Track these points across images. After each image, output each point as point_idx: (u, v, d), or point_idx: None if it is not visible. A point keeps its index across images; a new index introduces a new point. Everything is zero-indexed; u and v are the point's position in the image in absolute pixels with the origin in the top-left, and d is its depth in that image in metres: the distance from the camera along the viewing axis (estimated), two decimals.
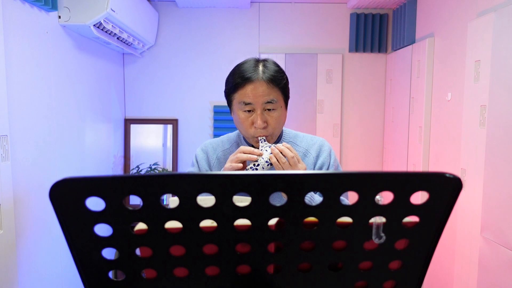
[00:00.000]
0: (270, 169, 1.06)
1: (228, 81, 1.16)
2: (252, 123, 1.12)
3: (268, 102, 1.10)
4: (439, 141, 2.27)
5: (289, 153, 1.03)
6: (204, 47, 3.01)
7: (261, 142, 1.11)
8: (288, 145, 1.06)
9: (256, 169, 1.05)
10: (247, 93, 1.10)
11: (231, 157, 1.08)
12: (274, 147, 1.05)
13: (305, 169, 1.06)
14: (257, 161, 1.06)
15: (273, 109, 1.12)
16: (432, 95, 2.36)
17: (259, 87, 1.09)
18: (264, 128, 1.11)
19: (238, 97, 1.12)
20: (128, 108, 3.03)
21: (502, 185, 1.61)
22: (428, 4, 2.44)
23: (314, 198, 1.03)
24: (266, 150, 1.07)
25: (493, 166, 1.68)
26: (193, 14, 2.99)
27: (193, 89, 3.04)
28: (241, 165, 1.06)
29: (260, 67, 1.12)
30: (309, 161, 1.20)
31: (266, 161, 1.05)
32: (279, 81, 1.12)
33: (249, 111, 1.12)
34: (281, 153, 1.04)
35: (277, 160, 1.04)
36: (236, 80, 1.12)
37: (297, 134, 1.26)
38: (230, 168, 1.06)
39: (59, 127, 1.97)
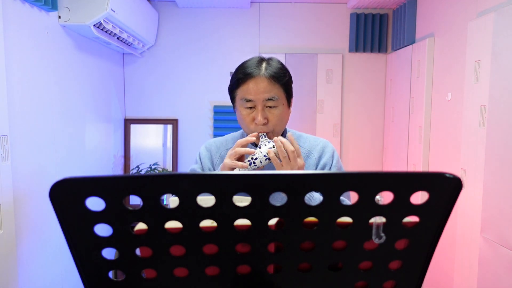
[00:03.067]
0: (268, 163, 1.06)
1: (232, 77, 1.17)
2: (253, 119, 1.12)
3: (269, 99, 1.10)
4: (439, 141, 2.27)
5: (289, 147, 1.03)
6: (204, 47, 3.01)
7: (262, 137, 1.10)
8: (292, 138, 1.05)
9: (254, 163, 1.04)
10: (249, 89, 1.11)
11: (229, 152, 1.08)
12: (277, 139, 1.04)
13: (303, 165, 1.05)
14: (255, 155, 1.05)
15: (274, 106, 1.12)
16: (432, 95, 2.35)
17: (260, 83, 1.10)
18: (265, 124, 1.11)
19: (240, 93, 1.13)
20: (128, 108, 3.03)
21: (502, 185, 1.61)
22: (428, 4, 2.44)
23: (313, 196, 1.03)
24: (265, 145, 1.07)
25: (493, 166, 1.68)
26: (193, 14, 2.99)
27: (193, 89, 3.04)
28: (240, 163, 1.05)
29: (264, 64, 1.13)
30: (311, 162, 1.20)
31: (264, 155, 1.05)
32: (281, 78, 1.12)
33: (250, 107, 1.12)
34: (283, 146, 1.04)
35: (275, 155, 1.03)
36: (239, 75, 1.13)
37: (301, 135, 1.26)
38: (230, 164, 1.05)
39: (59, 127, 1.97)
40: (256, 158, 1.05)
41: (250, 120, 1.13)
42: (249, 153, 1.05)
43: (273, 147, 1.06)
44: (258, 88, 1.10)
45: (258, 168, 1.06)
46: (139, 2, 2.48)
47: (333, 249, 0.52)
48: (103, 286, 0.53)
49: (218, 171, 0.77)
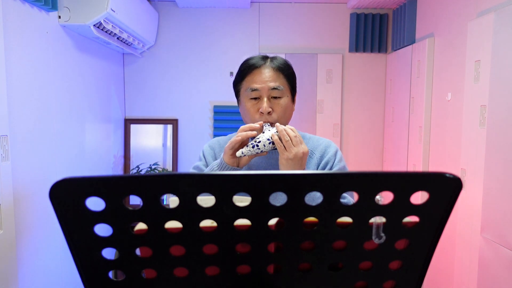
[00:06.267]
0: (271, 148, 1.05)
1: (237, 72, 1.19)
2: (258, 110, 1.13)
3: (274, 89, 1.12)
4: (439, 141, 2.27)
5: (291, 133, 1.03)
6: (204, 47, 3.01)
7: (265, 126, 1.10)
8: (292, 127, 1.06)
9: (257, 145, 1.04)
10: (254, 79, 1.13)
11: (232, 139, 1.07)
12: (279, 124, 1.05)
13: (307, 150, 1.05)
14: (258, 138, 1.05)
15: (279, 97, 1.13)
16: (432, 95, 2.35)
17: (266, 73, 1.12)
18: (269, 114, 1.12)
19: (245, 84, 1.15)
20: (128, 108, 3.03)
21: (502, 185, 1.61)
22: (428, 4, 2.44)
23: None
24: (269, 130, 1.07)
25: (493, 166, 1.68)
26: (193, 14, 2.99)
27: (193, 89, 3.04)
28: (239, 138, 1.04)
29: (268, 59, 1.17)
30: (313, 162, 1.19)
31: (268, 139, 1.04)
32: (285, 69, 1.15)
33: (255, 98, 1.13)
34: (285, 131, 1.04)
35: (279, 139, 1.03)
36: (244, 68, 1.15)
37: (304, 135, 1.26)
38: (229, 144, 1.05)
39: (59, 127, 1.97)
40: (259, 142, 1.04)
41: (255, 111, 1.13)
42: (251, 136, 1.05)
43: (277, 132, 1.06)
44: (264, 77, 1.12)
45: (262, 152, 1.06)
46: (139, 2, 2.48)
47: (333, 249, 0.52)
48: (103, 286, 0.53)
49: (218, 171, 0.77)
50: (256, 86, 1.12)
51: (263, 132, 1.07)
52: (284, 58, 1.20)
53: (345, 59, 3.05)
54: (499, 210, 1.62)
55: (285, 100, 1.14)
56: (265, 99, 1.12)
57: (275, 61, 1.15)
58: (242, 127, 1.08)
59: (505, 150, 1.60)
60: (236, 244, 0.51)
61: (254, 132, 1.05)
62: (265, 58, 1.16)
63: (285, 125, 1.17)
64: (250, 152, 1.04)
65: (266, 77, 1.12)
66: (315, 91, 3.01)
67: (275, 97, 1.13)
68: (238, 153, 1.05)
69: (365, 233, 0.51)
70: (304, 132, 1.28)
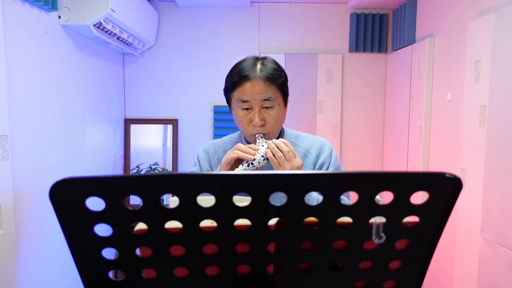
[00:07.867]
0: (266, 163, 1.06)
1: (227, 79, 1.16)
2: (250, 121, 1.12)
3: (266, 100, 1.10)
4: (439, 141, 2.27)
5: (284, 148, 1.03)
6: (204, 47, 3.01)
7: (259, 138, 1.11)
8: (285, 140, 1.06)
9: (252, 163, 1.05)
10: (245, 91, 1.10)
11: (229, 152, 1.08)
12: (270, 142, 1.05)
13: (301, 164, 1.05)
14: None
15: (271, 107, 1.12)
16: (432, 95, 2.36)
17: (256, 86, 1.09)
18: (262, 126, 1.11)
19: (236, 95, 1.12)
20: (128, 108, 3.03)
21: (502, 185, 1.61)
22: (428, 4, 2.44)
23: (311, 196, 1.02)
24: (263, 145, 1.08)
25: (493, 166, 1.68)
26: (193, 14, 2.99)
27: (193, 89, 3.04)
28: (235, 155, 1.05)
29: (258, 65, 1.12)
30: (309, 161, 1.19)
31: (262, 156, 1.05)
32: (276, 79, 1.12)
33: (247, 109, 1.12)
34: (277, 147, 1.04)
35: (273, 155, 1.03)
36: (234, 78, 1.12)
37: (299, 134, 1.26)
38: (225, 160, 1.06)
39: (59, 127, 1.97)
40: (254, 159, 1.05)
41: (247, 122, 1.12)
42: (248, 159, 1.06)
43: None
44: (254, 90, 1.09)
45: (257, 169, 1.07)
46: (139, 2, 2.48)
47: (333, 249, 0.52)
48: (103, 286, 0.53)
49: (218, 171, 0.77)
50: (247, 98, 1.10)
51: (257, 145, 1.08)
52: (274, 60, 1.16)
53: (345, 59, 3.05)
54: (499, 210, 1.62)
55: (276, 109, 1.12)
56: (257, 111, 1.10)
57: (265, 69, 1.10)
58: (240, 146, 1.07)
59: (505, 150, 1.60)
60: (236, 244, 0.51)
61: (252, 157, 1.05)
62: (255, 63, 1.12)
63: (278, 132, 1.17)
64: (245, 171, 1.06)
65: (257, 89, 1.09)
66: (315, 91, 3.01)
67: (266, 107, 1.11)
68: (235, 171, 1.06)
69: (365, 233, 0.51)
70: (298, 132, 1.28)
